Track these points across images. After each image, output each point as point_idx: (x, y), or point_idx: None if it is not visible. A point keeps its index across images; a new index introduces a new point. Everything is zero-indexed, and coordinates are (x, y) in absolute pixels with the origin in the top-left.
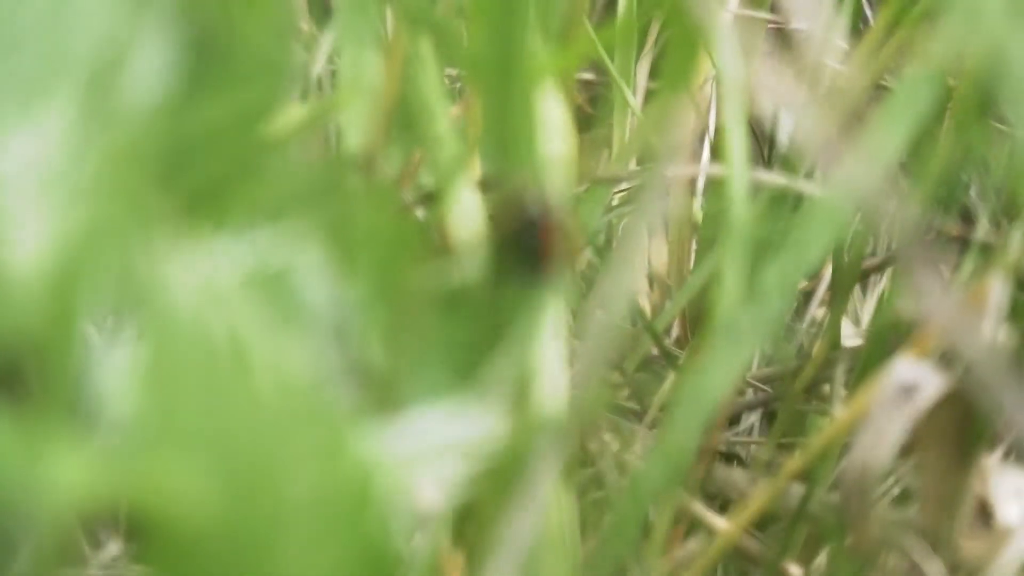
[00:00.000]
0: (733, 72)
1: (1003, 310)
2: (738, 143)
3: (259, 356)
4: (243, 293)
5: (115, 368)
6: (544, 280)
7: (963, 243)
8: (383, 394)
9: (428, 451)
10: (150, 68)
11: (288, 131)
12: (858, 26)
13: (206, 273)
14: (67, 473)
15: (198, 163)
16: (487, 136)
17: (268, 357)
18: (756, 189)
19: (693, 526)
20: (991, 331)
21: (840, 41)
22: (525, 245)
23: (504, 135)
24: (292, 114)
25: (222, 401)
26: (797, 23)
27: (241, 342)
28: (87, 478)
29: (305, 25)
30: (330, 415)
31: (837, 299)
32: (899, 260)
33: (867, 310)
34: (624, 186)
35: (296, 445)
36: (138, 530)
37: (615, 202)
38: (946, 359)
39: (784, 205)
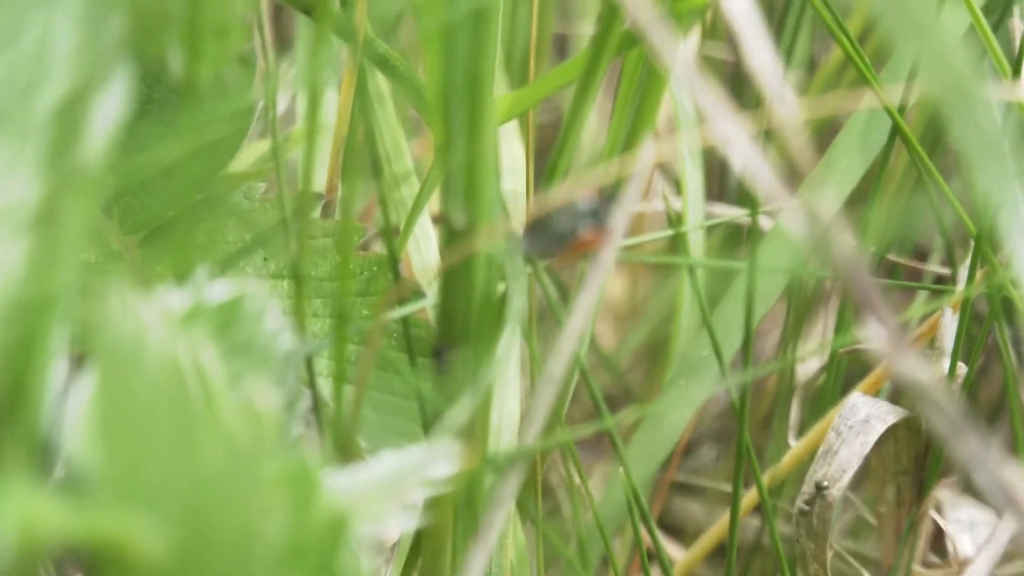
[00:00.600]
0: (690, 109)
1: (955, 343)
2: (694, 178)
3: (222, 395)
4: (201, 331)
5: (74, 405)
6: (563, 263)
7: (916, 277)
8: (340, 433)
9: (387, 489)
10: (112, 105)
11: (248, 168)
12: (811, 63)
13: (163, 310)
14: (24, 513)
15: (157, 199)
16: (446, 173)
17: (231, 396)
18: (712, 224)
19: (651, 557)
20: (943, 364)
21: (794, 78)
22: (562, 231)
23: (463, 172)
24: (253, 151)
25: (182, 440)
26: (752, 61)
27: (205, 381)
28: (44, 519)
29: (266, 62)
30: (296, 456)
31: (792, 332)
32: (852, 294)
33: (822, 343)
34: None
35: (262, 487)
36: (98, 567)
37: None
38: (899, 392)
39: (739, 240)
